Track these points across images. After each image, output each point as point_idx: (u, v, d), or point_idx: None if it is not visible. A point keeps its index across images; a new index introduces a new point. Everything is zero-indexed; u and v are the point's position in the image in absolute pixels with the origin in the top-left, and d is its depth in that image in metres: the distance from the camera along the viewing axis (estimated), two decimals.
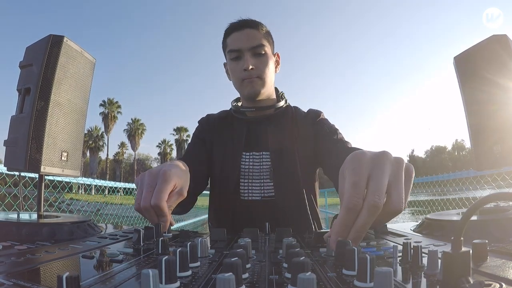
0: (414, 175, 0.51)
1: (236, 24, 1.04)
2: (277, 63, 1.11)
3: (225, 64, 1.12)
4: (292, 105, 1.15)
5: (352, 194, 0.44)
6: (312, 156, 1.05)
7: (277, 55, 1.12)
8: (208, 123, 1.15)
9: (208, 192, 1.15)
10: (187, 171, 0.75)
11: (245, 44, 1.01)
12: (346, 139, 1.01)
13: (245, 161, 1.04)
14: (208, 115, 1.19)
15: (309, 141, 1.05)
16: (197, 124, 1.19)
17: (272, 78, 1.07)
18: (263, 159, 1.03)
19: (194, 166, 0.88)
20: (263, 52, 1.02)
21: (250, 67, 0.99)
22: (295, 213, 1.00)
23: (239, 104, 1.13)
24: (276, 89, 1.16)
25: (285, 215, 0.98)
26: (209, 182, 1.14)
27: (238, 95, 1.14)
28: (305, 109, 1.18)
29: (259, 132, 1.06)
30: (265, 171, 1.02)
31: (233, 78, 1.06)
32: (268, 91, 1.06)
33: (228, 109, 1.18)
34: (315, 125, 1.08)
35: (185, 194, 0.68)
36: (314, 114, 1.11)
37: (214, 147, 1.10)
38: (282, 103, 1.09)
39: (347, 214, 0.44)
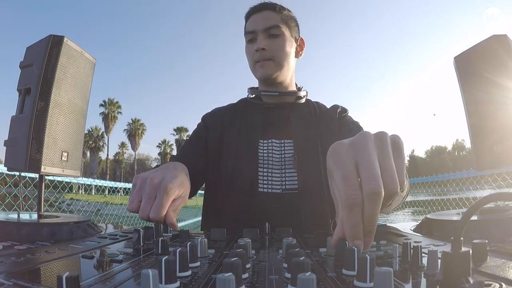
0: (403, 146, 0.45)
1: (255, 6, 1.01)
2: (300, 48, 1.06)
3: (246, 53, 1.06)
4: (313, 100, 1.09)
5: (346, 189, 0.39)
6: None
7: (301, 40, 1.06)
8: (213, 119, 1.05)
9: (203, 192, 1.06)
10: (187, 173, 0.73)
11: (260, 25, 0.97)
12: None
13: (263, 150, 0.94)
14: (214, 110, 1.10)
15: (333, 136, 0.94)
16: (200, 121, 1.09)
17: (289, 63, 1.00)
18: (285, 148, 0.94)
19: (191, 163, 0.85)
20: (279, 33, 0.97)
21: (262, 47, 0.94)
22: (318, 210, 0.89)
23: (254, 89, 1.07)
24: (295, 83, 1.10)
25: (307, 211, 0.88)
26: (206, 180, 1.03)
27: (245, 90, 1.09)
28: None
29: (279, 119, 0.99)
30: (288, 161, 0.92)
31: (248, 62, 1.02)
32: (284, 76, 1.00)
33: (241, 98, 1.11)
34: (340, 120, 1.02)
35: (187, 198, 0.68)
36: (340, 109, 1.05)
37: (224, 141, 0.99)
38: (302, 93, 1.04)
39: (351, 211, 0.39)
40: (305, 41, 1.07)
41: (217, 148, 1.00)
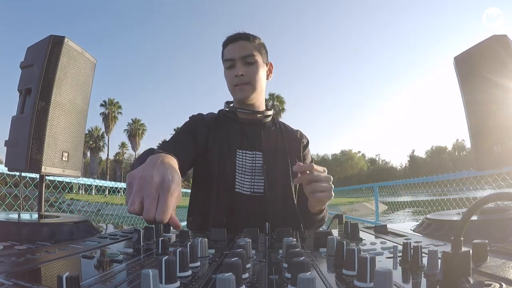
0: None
1: (231, 37, 1.17)
2: (269, 71, 1.24)
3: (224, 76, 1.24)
4: (279, 120, 1.31)
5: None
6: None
7: (270, 64, 1.24)
8: (202, 121, 1.19)
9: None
10: (177, 166, 0.74)
11: (237, 54, 1.13)
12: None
13: (239, 158, 1.12)
14: (201, 114, 1.24)
15: (297, 156, 1.19)
16: (188, 119, 1.22)
17: (262, 86, 1.18)
18: (256, 158, 1.13)
19: (182, 151, 0.97)
20: (253, 61, 1.13)
21: (240, 73, 1.11)
22: (283, 211, 1.09)
23: (231, 105, 1.23)
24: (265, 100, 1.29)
25: (273, 211, 1.06)
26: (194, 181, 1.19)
27: (231, 98, 1.24)
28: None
29: (251, 133, 1.17)
30: (258, 169, 1.12)
31: (227, 84, 1.18)
32: (257, 97, 1.18)
33: (218, 110, 1.27)
34: (303, 148, 1.25)
35: (181, 196, 0.67)
36: (304, 137, 1.28)
37: (209, 144, 1.14)
38: (270, 112, 1.23)
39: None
40: (273, 64, 1.26)
41: (203, 151, 1.12)
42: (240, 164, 1.11)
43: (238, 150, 1.12)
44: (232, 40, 1.16)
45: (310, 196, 0.91)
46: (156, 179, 0.58)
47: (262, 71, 1.16)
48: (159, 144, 1.20)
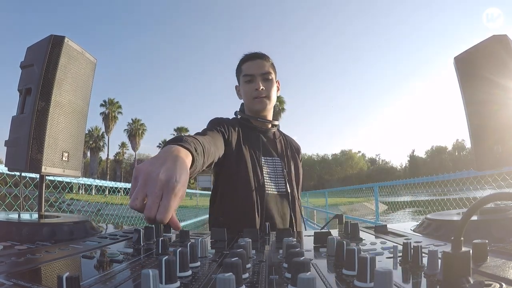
0: None
1: (250, 55, 1.35)
2: (277, 88, 1.41)
3: (236, 87, 1.41)
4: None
5: None
6: (300, 177, 1.44)
7: (278, 82, 1.41)
8: (230, 124, 1.29)
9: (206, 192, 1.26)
10: (189, 163, 0.70)
11: (257, 70, 1.30)
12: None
13: (264, 164, 1.31)
14: (228, 119, 1.35)
15: (297, 160, 1.44)
16: (214, 119, 1.30)
17: (274, 99, 1.36)
18: (275, 163, 1.34)
19: (213, 143, 1.02)
20: (270, 78, 1.32)
21: (261, 87, 1.28)
22: (295, 205, 1.30)
23: (237, 112, 1.42)
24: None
25: (292, 206, 1.28)
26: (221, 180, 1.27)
27: (237, 102, 1.41)
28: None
29: (268, 141, 1.37)
30: (279, 172, 1.32)
31: (245, 97, 1.34)
32: (270, 110, 1.36)
33: (234, 116, 1.42)
34: (299, 155, 1.48)
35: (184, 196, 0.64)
36: (298, 149, 1.50)
37: (240, 150, 1.26)
38: (277, 123, 1.41)
39: None
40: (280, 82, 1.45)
41: (234, 155, 1.22)
42: (266, 168, 1.30)
43: (262, 157, 1.30)
44: (250, 58, 1.34)
45: None
46: (162, 177, 0.56)
47: (275, 88, 1.36)
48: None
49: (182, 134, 0.85)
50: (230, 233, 0.70)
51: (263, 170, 1.28)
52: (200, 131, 1.15)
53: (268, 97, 1.31)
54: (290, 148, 1.45)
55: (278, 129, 1.47)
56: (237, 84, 1.42)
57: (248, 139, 1.31)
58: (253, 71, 1.31)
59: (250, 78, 1.31)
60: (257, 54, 1.34)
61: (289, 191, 1.29)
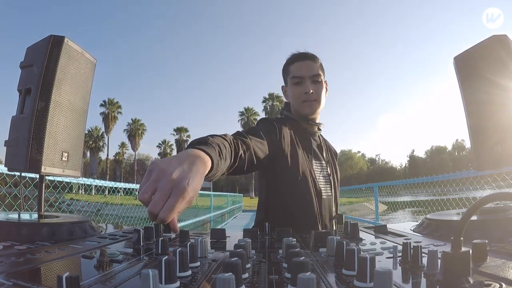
0: None
1: (298, 55, 1.27)
2: (326, 89, 1.34)
3: (283, 87, 1.36)
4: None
5: None
6: (339, 180, 1.41)
7: (326, 83, 1.35)
8: (282, 123, 1.23)
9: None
10: (206, 169, 0.68)
11: (306, 72, 1.24)
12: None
13: (316, 168, 1.27)
14: (280, 119, 1.31)
15: (338, 172, 1.41)
16: (266, 120, 1.26)
17: (324, 102, 1.30)
18: (323, 167, 1.30)
19: (259, 146, 1.03)
20: (320, 80, 1.25)
21: (311, 91, 1.22)
22: (336, 209, 1.31)
23: (285, 112, 1.37)
24: None
25: (337, 209, 1.29)
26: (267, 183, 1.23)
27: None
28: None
29: (316, 145, 1.32)
30: (326, 177, 1.30)
31: (293, 99, 1.28)
32: (319, 113, 1.31)
33: (280, 117, 1.38)
34: (336, 161, 1.44)
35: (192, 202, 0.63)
36: (336, 153, 1.46)
37: (293, 152, 1.20)
38: (322, 127, 1.36)
39: None
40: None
41: (289, 157, 1.16)
42: (317, 173, 1.27)
43: (314, 161, 1.27)
44: (299, 58, 1.27)
45: None
46: (175, 177, 0.55)
47: (325, 89, 1.30)
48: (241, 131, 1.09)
49: (208, 136, 0.80)
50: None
51: (315, 174, 1.25)
52: (247, 129, 1.12)
53: (317, 100, 1.25)
54: (330, 152, 1.42)
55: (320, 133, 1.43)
56: (284, 85, 1.36)
57: (300, 141, 1.26)
58: (303, 73, 1.25)
59: (299, 80, 1.25)
60: (307, 55, 1.27)
61: (334, 195, 1.29)
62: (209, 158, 0.69)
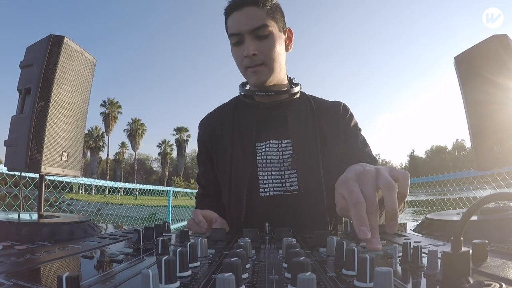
0: (405, 181, 0.54)
1: (234, 2, 0.90)
2: (288, 40, 0.98)
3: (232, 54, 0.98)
4: (307, 93, 1.05)
5: (352, 196, 0.49)
6: (340, 155, 0.93)
7: (289, 30, 0.98)
8: (206, 125, 1.06)
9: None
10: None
11: (244, 26, 0.88)
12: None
13: (261, 152, 0.93)
14: (207, 115, 1.08)
15: (336, 134, 0.95)
16: (198, 126, 1.10)
17: (281, 61, 0.94)
18: (283, 148, 0.92)
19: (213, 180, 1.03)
20: (267, 34, 0.89)
21: (252, 52, 0.87)
22: (319, 209, 0.88)
23: (247, 87, 1.02)
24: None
25: (308, 211, 0.88)
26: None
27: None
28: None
29: (275, 118, 0.95)
30: (287, 161, 0.91)
31: (238, 65, 0.95)
32: (278, 77, 0.95)
33: (233, 97, 1.07)
34: (345, 121, 0.99)
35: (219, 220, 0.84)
36: (343, 109, 1.01)
37: (218, 145, 0.99)
38: (297, 89, 0.99)
39: (355, 207, 0.48)
40: (293, 30, 0.99)
41: (216, 154, 1.02)
42: (264, 159, 0.91)
43: (257, 144, 0.93)
44: (236, 6, 0.89)
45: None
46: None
47: (280, 44, 0.92)
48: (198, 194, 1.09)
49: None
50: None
51: (257, 163, 0.92)
52: (199, 171, 1.07)
53: (267, 64, 0.90)
54: (323, 119, 0.97)
55: (307, 97, 1.03)
56: None
57: (240, 123, 0.97)
58: (239, 26, 0.89)
59: (238, 39, 0.90)
60: (246, 0, 0.88)
61: (301, 188, 0.89)
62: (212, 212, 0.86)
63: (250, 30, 0.88)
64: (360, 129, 1.02)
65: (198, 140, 1.08)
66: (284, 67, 0.98)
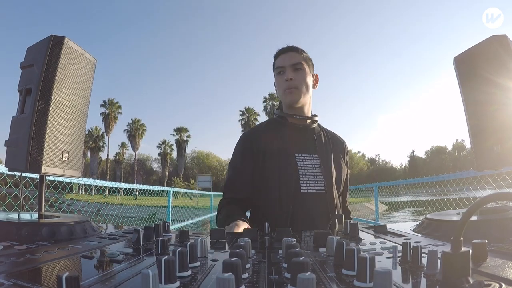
0: None
1: (282, 49, 1.33)
2: (315, 81, 1.38)
3: (275, 84, 1.38)
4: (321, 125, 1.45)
5: None
6: (343, 174, 1.36)
7: (316, 76, 1.38)
8: (251, 137, 1.35)
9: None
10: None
11: (287, 62, 1.28)
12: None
13: (300, 161, 1.26)
14: (250, 130, 1.45)
15: (341, 160, 1.37)
16: (241, 139, 1.37)
17: (309, 91, 1.31)
18: (313, 160, 1.28)
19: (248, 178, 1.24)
20: (302, 68, 1.28)
21: (290, 77, 1.25)
22: (337, 204, 1.26)
23: (276, 111, 1.39)
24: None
25: (332, 205, 1.23)
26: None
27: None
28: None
29: (305, 138, 1.32)
30: (317, 169, 1.27)
31: (278, 90, 1.32)
32: (305, 102, 1.30)
33: (268, 119, 1.44)
34: (346, 153, 1.43)
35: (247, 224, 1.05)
36: (345, 144, 1.45)
37: (267, 152, 1.27)
38: (317, 119, 1.38)
39: None
40: (319, 76, 1.40)
41: (261, 161, 1.26)
42: (303, 166, 1.25)
43: (296, 154, 1.26)
44: (283, 51, 1.32)
45: None
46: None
47: (309, 79, 1.30)
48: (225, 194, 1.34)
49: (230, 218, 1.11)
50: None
51: (299, 168, 1.24)
52: (233, 172, 1.32)
53: (298, 88, 1.26)
54: (335, 145, 1.38)
55: (321, 126, 1.42)
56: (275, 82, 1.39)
57: (282, 139, 1.29)
58: (283, 62, 1.29)
59: (281, 70, 1.29)
60: (290, 47, 1.33)
61: (329, 190, 1.24)
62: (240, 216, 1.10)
63: (290, 64, 1.28)
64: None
65: (239, 149, 1.33)
66: (310, 97, 1.34)
